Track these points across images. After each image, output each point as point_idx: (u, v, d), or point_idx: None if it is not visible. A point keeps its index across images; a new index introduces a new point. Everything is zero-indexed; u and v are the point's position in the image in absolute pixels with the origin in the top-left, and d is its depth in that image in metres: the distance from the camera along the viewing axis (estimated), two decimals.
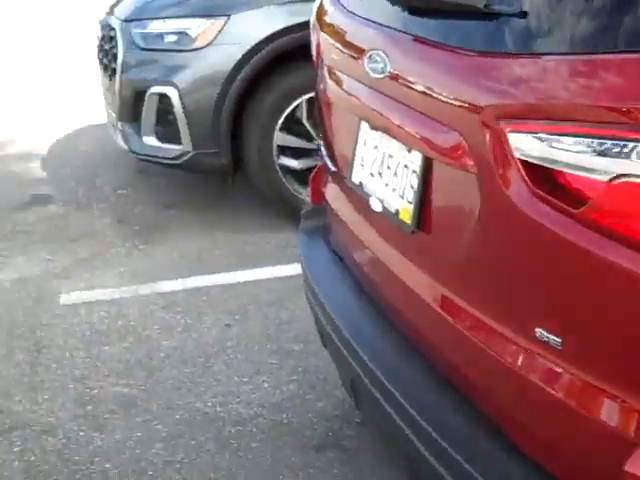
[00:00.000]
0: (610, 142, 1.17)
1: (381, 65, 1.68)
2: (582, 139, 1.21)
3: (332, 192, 2.20)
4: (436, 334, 1.68)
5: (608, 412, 1.27)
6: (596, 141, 1.19)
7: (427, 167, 1.64)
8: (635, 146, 1.14)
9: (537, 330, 1.37)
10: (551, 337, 1.35)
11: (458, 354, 1.60)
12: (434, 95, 1.54)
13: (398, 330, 1.82)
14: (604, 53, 1.21)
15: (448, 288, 1.63)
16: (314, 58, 2.19)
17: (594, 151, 1.20)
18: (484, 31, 1.44)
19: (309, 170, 3.96)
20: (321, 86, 2.12)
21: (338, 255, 2.16)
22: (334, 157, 2.15)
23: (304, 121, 3.83)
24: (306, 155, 3.90)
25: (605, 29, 1.22)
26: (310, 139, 3.85)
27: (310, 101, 3.73)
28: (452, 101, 1.49)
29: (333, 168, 2.15)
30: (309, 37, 3.54)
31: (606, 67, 1.20)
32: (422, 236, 1.70)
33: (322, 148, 2.26)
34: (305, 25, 3.70)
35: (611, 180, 1.18)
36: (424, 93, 1.57)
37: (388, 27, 1.72)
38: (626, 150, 1.15)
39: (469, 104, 1.43)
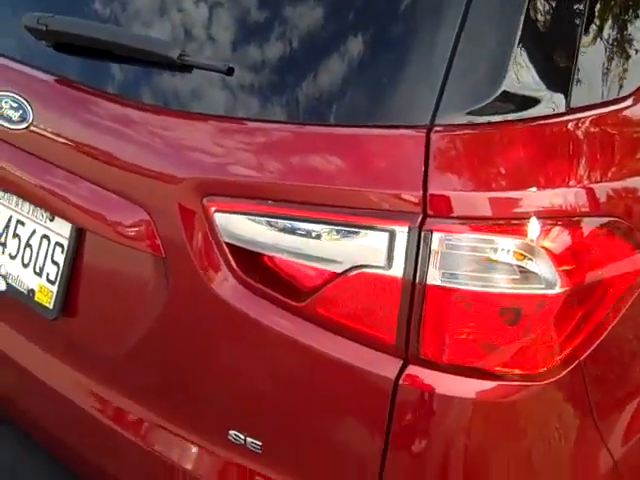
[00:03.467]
0: (343, 229, 1.05)
1: (18, 113, 1.34)
2: (312, 225, 1.07)
3: None
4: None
5: None
6: (327, 227, 1.06)
7: (80, 242, 1.34)
8: (366, 233, 1.04)
9: (231, 432, 1.20)
10: (249, 440, 1.19)
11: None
12: (103, 158, 1.26)
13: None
14: (333, 125, 1.07)
15: (116, 390, 1.35)
16: None
17: (320, 237, 1.07)
18: (183, 86, 1.21)
19: None
20: None
21: None
22: None
23: None
24: None
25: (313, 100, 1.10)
26: None
27: None
28: (135, 168, 1.22)
29: None
30: None
31: (333, 140, 1.07)
32: (70, 324, 1.39)
33: None
34: None
35: (345, 272, 1.06)
36: (88, 154, 1.27)
37: (32, 66, 1.37)
38: (359, 237, 1.05)
39: (161, 174, 1.19)
